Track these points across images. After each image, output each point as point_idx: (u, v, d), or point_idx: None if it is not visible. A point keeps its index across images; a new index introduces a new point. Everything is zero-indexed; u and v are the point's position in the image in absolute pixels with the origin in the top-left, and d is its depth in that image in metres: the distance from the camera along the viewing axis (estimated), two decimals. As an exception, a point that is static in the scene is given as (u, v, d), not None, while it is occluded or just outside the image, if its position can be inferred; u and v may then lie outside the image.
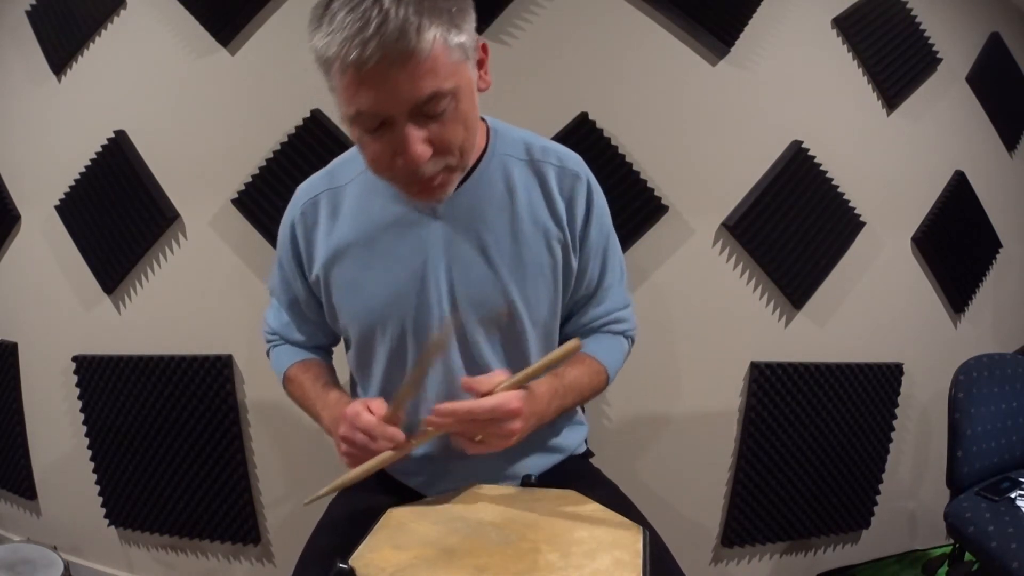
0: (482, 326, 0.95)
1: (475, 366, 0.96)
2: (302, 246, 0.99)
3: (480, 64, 0.83)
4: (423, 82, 0.73)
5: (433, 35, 0.72)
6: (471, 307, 0.93)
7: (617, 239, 1.06)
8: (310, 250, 0.98)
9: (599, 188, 1.01)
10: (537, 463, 1.05)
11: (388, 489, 1.04)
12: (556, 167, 0.96)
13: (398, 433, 0.83)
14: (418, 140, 0.76)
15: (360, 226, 0.94)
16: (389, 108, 0.74)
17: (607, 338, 1.06)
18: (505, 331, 0.96)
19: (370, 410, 0.85)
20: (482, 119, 0.95)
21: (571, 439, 1.12)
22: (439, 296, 0.93)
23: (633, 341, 1.13)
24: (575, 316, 1.05)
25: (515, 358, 0.97)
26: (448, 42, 0.74)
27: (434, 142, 0.77)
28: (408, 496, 1.02)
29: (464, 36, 0.77)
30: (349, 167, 0.98)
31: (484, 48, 0.83)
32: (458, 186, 0.90)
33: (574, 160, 0.98)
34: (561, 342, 1.00)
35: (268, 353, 1.15)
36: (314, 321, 1.07)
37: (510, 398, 0.82)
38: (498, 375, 0.85)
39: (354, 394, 1.09)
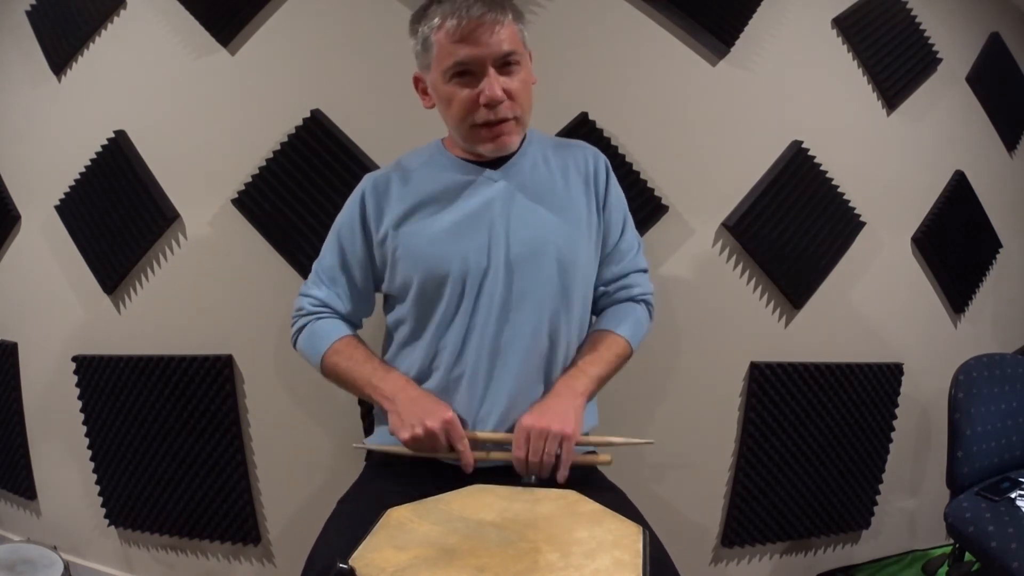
0: (533, 260, 1.11)
1: (524, 296, 1.10)
2: (371, 211, 1.16)
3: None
4: (505, 42, 1.04)
5: (511, 15, 1.06)
6: (525, 245, 1.11)
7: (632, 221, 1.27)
8: (380, 212, 1.15)
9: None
10: None
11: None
12: (577, 148, 1.23)
13: (469, 457, 1.03)
14: (498, 83, 1.04)
15: (431, 190, 1.14)
16: (479, 57, 1.03)
17: (621, 308, 1.22)
18: (552, 267, 1.12)
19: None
20: None
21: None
22: (500, 237, 1.10)
23: (651, 306, 1.28)
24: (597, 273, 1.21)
25: (562, 291, 1.12)
26: (517, 25, 1.08)
27: (508, 91, 1.06)
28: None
29: (525, 31, 1.10)
30: (415, 156, 1.21)
31: (530, 55, 1.14)
32: (508, 159, 1.15)
33: (592, 147, 1.24)
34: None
35: (301, 329, 1.20)
36: (361, 290, 1.21)
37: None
38: None
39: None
